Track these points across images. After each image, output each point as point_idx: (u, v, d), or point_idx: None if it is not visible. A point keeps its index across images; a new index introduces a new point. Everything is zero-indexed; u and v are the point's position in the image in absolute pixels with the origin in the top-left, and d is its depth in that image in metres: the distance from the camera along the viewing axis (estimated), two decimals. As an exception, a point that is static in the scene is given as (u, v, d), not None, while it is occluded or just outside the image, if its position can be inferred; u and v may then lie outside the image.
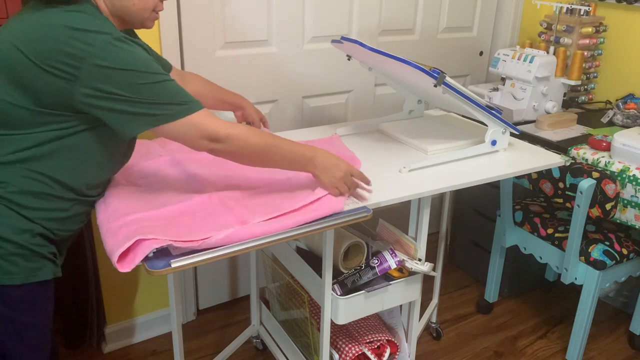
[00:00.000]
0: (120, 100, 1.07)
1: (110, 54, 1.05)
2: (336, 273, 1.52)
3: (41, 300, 1.19)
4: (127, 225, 1.14)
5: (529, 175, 2.03)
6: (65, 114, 1.10)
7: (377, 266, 1.50)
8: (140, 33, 1.83)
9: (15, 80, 1.06)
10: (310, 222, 1.22)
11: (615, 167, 1.82)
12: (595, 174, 1.80)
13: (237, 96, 1.73)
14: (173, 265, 1.07)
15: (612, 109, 2.27)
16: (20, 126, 1.09)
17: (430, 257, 1.70)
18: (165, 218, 1.20)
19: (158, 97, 1.10)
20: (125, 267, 1.06)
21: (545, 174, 1.96)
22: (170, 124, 1.12)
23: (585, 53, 2.28)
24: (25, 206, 1.11)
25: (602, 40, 2.39)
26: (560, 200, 1.93)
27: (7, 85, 1.07)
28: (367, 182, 1.36)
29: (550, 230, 2.03)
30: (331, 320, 1.52)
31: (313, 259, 1.56)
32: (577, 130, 2.18)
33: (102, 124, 1.13)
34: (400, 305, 1.73)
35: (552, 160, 1.68)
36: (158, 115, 1.11)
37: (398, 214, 2.23)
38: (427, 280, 2.28)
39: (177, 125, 1.12)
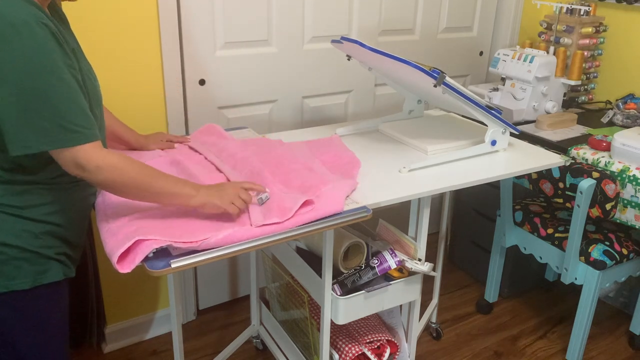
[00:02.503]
0: (16, 102, 0.97)
1: (8, 42, 0.95)
2: (336, 273, 1.52)
3: (52, 302, 1.17)
4: (126, 226, 1.14)
5: (529, 175, 2.03)
6: None
7: (377, 266, 1.50)
8: (140, 32, 1.84)
9: None
10: (310, 222, 1.22)
11: (615, 167, 1.82)
12: (595, 174, 1.80)
13: (138, 137, 1.56)
14: (173, 266, 1.07)
15: (612, 109, 2.27)
16: None
17: (430, 257, 1.70)
18: (165, 218, 1.20)
19: (52, 107, 0.99)
20: (125, 268, 1.05)
21: (545, 174, 1.96)
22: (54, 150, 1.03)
23: (585, 53, 2.28)
24: (18, 206, 1.09)
25: (602, 40, 2.39)
26: (560, 200, 1.93)
27: None
28: (254, 188, 1.28)
29: (550, 230, 2.03)
30: (331, 320, 1.52)
31: (313, 259, 1.56)
32: (577, 130, 2.18)
33: None
34: (400, 305, 1.73)
35: (552, 160, 1.68)
36: (49, 136, 1.00)
37: (398, 214, 2.23)
38: (427, 280, 2.28)
39: (58, 152, 1.03)
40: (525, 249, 2.15)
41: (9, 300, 1.10)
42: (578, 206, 1.83)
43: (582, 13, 2.29)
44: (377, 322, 1.79)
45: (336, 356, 1.65)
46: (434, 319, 2.22)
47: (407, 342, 1.75)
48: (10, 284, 1.09)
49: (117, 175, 1.09)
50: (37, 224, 1.11)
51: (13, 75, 0.96)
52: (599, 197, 1.82)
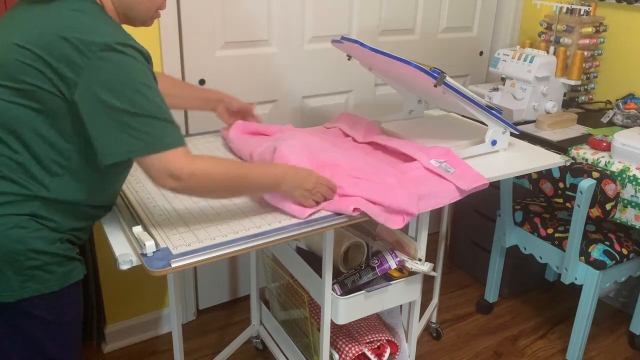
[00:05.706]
0: (112, 111, 1.02)
1: (110, 61, 1.01)
2: (336, 273, 1.52)
3: (76, 300, 1.21)
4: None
5: (529, 175, 2.03)
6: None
7: (377, 266, 1.50)
8: (140, 32, 1.83)
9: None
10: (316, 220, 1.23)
11: (615, 167, 1.82)
12: (595, 174, 1.80)
13: (214, 92, 1.66)
14: (173, 265, 1.07)
15: (612, 109, 2.27)
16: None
17: (430, 257, 1.70)
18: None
19: (151, 115, 1.05)
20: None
21: (545, 174, 1.96)
22: (147, 155, 1.06)
23: (585, 53, 2.28)
24: (56, 221, 1.13)
25: (602, 40, 2.40)
26: (560, 200, 1.93)
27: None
28: (334, 190, 1.34)
29: (550, 230, 2.03)
30: (331, 320, 1.52)
31: (313, 259, 1.56)
32: (577, 130, 2.18)
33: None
34: (400, 305, 1.73)
35: (552, 160, 1.68)
36: (145, 140, 1.04)
37: (398, 214, 2.23)
38: (427, 280, 2.27)
39: (152, 158, 1.06)
40: (525, 249, 2.15)
41: (41, 302, 1.13)
42: (578, 206, 1.83)
43: (582, 13, 2.29)
44: (377, 322, 1.79)
45: (336, 356, 1.65)
46: (434, 319, 2.22)
47: (407, 342, 1.75)
48: (42, 288, 1.11)
49: (209, 180, 1.13)
50: (65, 234, 1.15)
51: (124, 86, 1.05)
52: (599, 197, 1.82)
